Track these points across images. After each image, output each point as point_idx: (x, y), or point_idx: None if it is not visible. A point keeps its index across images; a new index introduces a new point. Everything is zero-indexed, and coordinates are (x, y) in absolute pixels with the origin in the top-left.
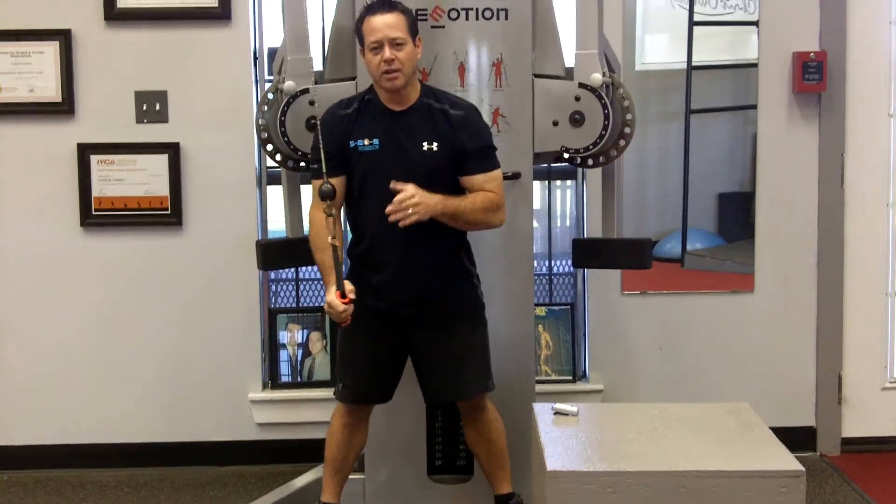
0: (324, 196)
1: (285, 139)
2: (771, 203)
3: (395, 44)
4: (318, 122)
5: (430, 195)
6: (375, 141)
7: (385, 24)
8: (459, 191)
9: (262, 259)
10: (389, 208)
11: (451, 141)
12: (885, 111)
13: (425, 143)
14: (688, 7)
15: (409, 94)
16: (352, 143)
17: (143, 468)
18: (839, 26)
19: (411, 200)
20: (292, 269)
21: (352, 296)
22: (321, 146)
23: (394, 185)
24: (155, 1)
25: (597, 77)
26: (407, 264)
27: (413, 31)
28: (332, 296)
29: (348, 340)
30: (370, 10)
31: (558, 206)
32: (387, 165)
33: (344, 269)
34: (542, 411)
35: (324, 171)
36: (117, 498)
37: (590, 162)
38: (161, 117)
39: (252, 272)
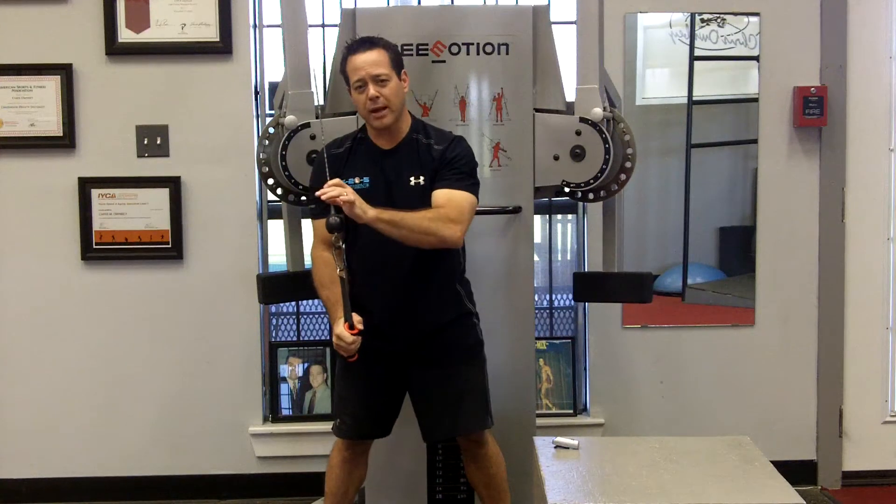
0: (332, 228)
1: (286, 173)
2: (772, 237)
3: (379, 80)
4: (315, 161)
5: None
6: (366, 179)
7: (366, 61)
8: None
9: (262, 293)
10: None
11: (434, 174)
12: (886, 146)
13: (412, 178)
14: (688, 42)
15: (400, 128)
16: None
17: (143, 501)
18: (840, 61)
19: (345, 193)
20: (293, 303)
21: (360, 326)
22: (332, 182)
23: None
24: (156, 36)
25: (598, 111)
26: (396, 304)
27: (397, 66)
28: (341, 328)
29: (345, 376)
30: (351, 50)
31: (559, 240)
32: (377, 203)
33: None
34: (543, 445)
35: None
36: None
37: (590, 196)
38: (162, 151)
39: (253, 306)
